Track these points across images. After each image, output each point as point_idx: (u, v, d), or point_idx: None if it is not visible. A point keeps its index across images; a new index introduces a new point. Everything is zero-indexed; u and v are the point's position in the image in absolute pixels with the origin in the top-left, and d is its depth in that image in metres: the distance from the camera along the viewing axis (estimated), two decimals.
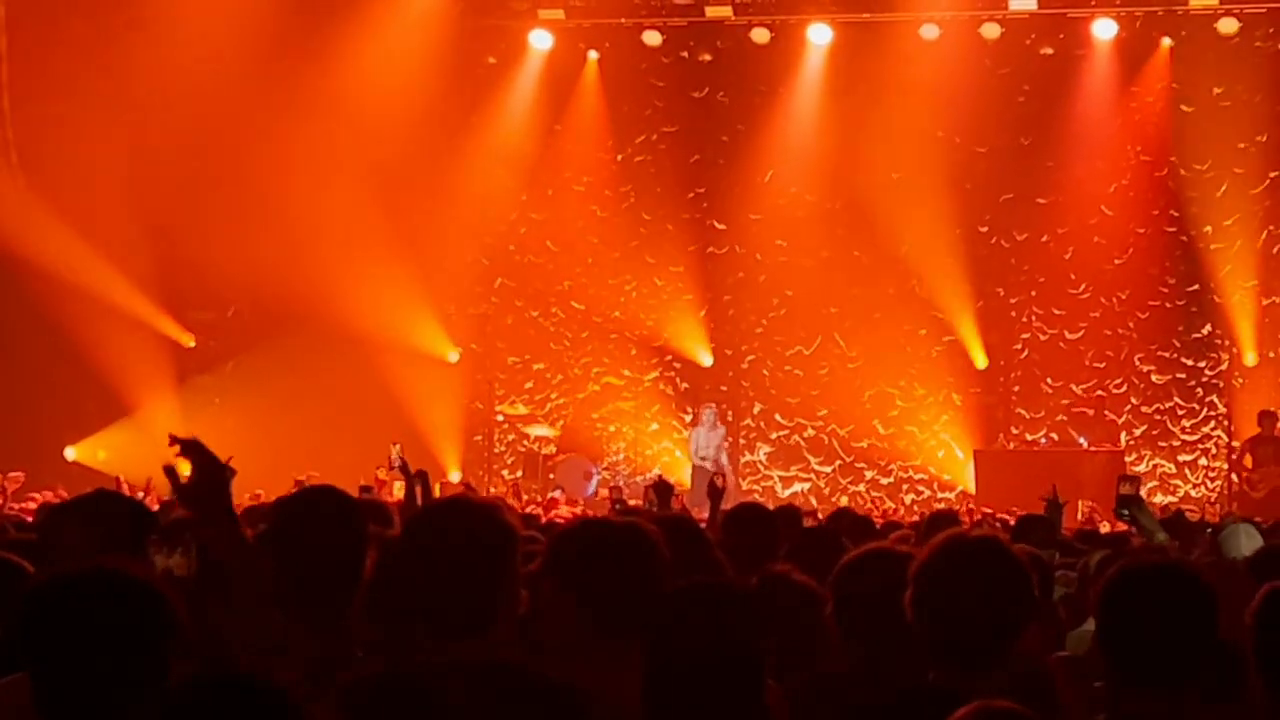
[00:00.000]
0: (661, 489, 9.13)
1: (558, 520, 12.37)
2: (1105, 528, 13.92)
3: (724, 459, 21.57)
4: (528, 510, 14.67)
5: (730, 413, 22.73)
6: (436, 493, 11.33)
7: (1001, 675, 3.94)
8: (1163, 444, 22.49)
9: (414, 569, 4.03)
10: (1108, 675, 4.10)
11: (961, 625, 4.02)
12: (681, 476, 22.43)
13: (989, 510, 16.68)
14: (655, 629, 3.87)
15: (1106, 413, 21.86)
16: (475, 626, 3.94)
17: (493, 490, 20.76)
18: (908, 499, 22.01)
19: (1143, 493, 10.09)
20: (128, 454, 20.69)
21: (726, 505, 8.62)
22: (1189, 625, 3.99)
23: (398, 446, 12.32)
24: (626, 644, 3.98)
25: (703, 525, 7.31)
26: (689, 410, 23.35)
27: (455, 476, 21.73)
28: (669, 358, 23.53)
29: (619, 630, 4.05)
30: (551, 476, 21.73)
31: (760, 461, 22.94)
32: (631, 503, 18.76)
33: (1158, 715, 3.96)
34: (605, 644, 4.08)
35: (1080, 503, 17.56)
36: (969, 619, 4.02)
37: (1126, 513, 8.49)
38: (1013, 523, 10.34)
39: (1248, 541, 7.44)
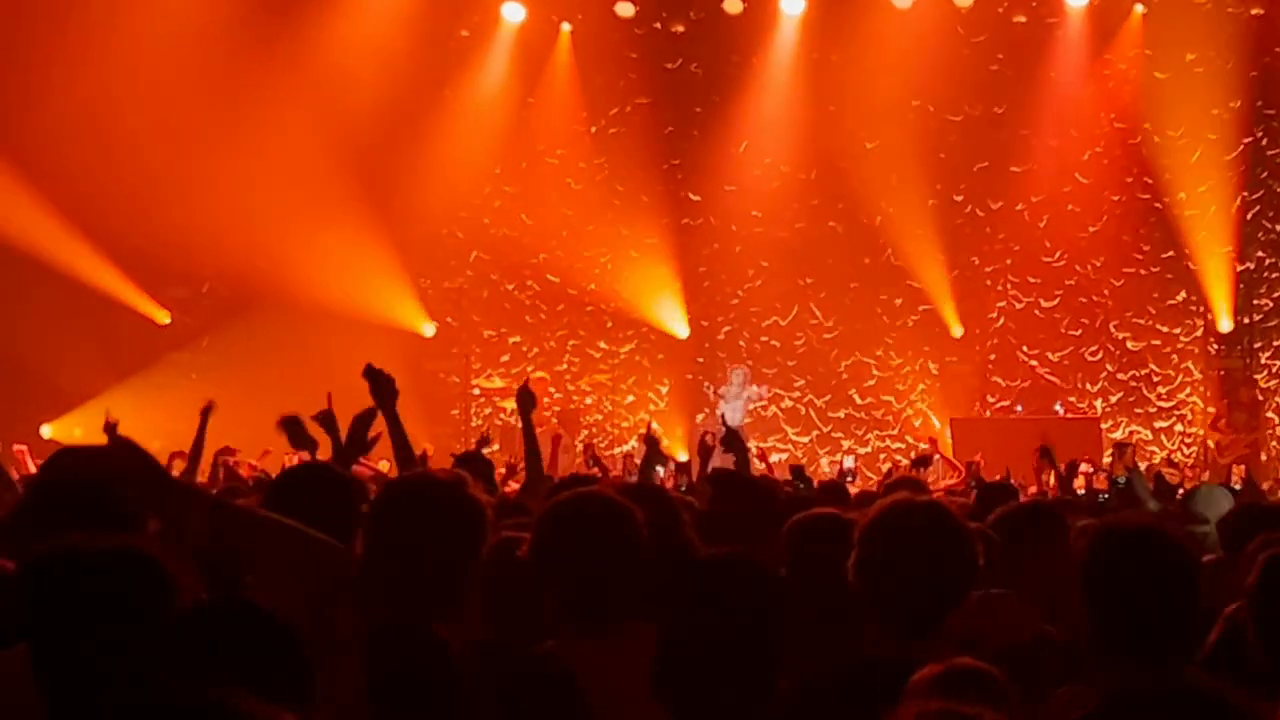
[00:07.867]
0: (652, 442, 9.22)
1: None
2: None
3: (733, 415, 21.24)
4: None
5: (708, 384, 22.65)
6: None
7: (941, 642, 3.90)
8: (1139, 410, 22.57)
9: (382, 546, 3.97)
10: (1092, 644, 3.99)
11: (902, 589, 4.00)
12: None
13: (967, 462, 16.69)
14: (679, 601, 3.82)
15: (1048, 377, 22.09)
16: (443, 603, 3.89)
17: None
18: (885, 467, 22.00)
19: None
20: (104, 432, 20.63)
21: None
22: (1172, 588, 3.90)
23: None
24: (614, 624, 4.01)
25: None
26: (665, 381, 23.35)
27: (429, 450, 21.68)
28: (645, 329, 23.51)
29: (602, 611, 4.06)
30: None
31: None
32: (613, 473, 18.72)
33: (1143, 682, 3.88)
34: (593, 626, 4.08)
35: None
36: (909, 582, 3.99)
37: (1126, 478, 8.60)
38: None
39: (1220, 504, 7.45)
